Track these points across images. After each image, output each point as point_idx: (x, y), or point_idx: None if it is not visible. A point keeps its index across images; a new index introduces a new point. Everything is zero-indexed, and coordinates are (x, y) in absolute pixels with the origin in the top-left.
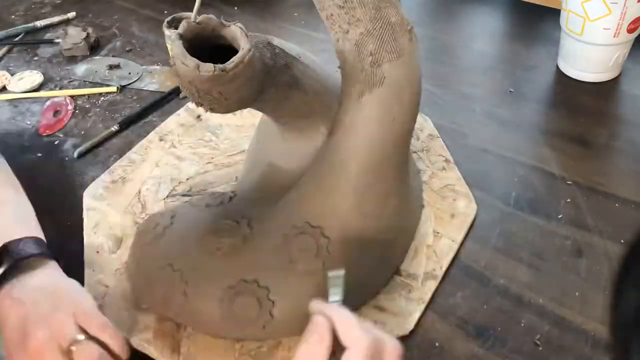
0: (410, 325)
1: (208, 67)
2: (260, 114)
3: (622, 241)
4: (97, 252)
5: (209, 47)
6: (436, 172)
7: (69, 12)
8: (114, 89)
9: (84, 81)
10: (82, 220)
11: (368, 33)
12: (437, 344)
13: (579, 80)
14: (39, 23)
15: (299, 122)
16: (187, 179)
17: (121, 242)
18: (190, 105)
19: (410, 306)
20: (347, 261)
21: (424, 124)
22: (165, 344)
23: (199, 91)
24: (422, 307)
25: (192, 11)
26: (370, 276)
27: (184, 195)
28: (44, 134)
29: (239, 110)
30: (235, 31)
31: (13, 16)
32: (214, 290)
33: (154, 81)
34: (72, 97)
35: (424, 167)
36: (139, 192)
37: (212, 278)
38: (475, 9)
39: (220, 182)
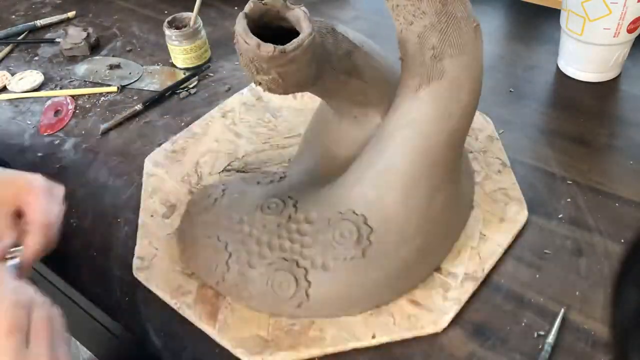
0: (443, 324)
1: (268, 47)
2: (319, 99)
3: (622, 240)
4: (152, 216)
5: (274, 29)
6: (491, 175)
7: (69, 12)
8: (114, 88)
9: (85, 81)
10: (83, 214)
11: (432, 26)
12: (437, 343)
13: (579, 80)
14: (39, 22)
15: (355, 110)
16: (243, 156)
17: (175, 209)
18: (254, 85)
19: (446, 305)
20: (386, 252)
21: (485, 125)
22: (204, 310)
23: (258, 70)
24: (458, 307)
25: (192, 11)
26: (408, 269)
27: (238, 171)
28: (45, 134)
29: (300, 94)
30: (299, 14)
31: (13, 16)
32: (254, 264)
33: (154, 81)
34: (72, 97)
35: (479, 169)
36: (197, 163)
37: (254, 253)
38: (476, 9)
39: (273, 162)
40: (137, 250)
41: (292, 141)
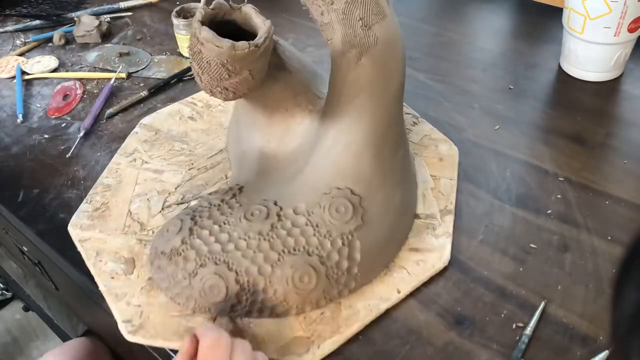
0: (447, 256)
1: (243, 45)
2: (221, 115)
3: (609, 238)
4: (112, 277)
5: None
6: (410, 128)
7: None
8: (122, 75)
9: (94, 67)
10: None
11: (353, 1)
12: (416, 332)
13: (580, 80)
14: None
15: (286, 103)
16: (176, 187)
17: (134, 261)
18: (145, 121)
19: (440, 241)
20: (379, 213)
21: None
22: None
23: (230, 73)
24: (450, 239)
25: (199, 1)
26: (399, 222)
27: (179, 203)
28: (52, 117)
29: (200, 116)
30: (250, 11)
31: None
32: (266, 272)
33: (162, 69)
34: (81, 82)
35: None
36: (129, 212)
37: (261, 261)
38: (482, 7)
39: (211, 183)
40: (119, 316)
41: (217, 158)
